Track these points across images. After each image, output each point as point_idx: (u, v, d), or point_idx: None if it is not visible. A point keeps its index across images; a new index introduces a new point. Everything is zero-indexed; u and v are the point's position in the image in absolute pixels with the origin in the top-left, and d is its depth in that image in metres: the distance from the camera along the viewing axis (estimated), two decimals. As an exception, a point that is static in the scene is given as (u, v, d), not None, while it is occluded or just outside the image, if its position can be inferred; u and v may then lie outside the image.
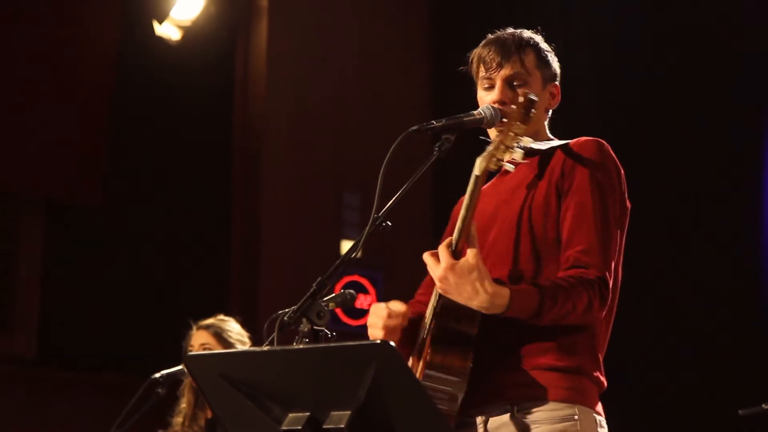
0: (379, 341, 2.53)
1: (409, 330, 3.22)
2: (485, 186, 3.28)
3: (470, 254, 2.89)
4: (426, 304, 3.36)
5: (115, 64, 8.69)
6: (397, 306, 3.19)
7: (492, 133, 3.19)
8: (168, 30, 8.76)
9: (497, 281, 2.96)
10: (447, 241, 2.94)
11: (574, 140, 3.19)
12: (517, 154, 2.91)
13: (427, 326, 3.09)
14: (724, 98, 7.27)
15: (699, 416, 6.89)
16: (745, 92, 7.19)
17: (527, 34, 3.32)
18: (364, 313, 8.54)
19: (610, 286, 3.03)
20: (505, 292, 2.89)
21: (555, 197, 3.11)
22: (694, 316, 7.19)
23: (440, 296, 3.02)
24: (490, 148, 2.96)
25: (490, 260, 3.07)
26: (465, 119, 3.17)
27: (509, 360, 3.06)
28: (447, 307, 3.01)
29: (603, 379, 3.13)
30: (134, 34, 8.77)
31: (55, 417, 8.28)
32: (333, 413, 2.59)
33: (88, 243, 8.66)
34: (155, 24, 8.75)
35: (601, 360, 3.14)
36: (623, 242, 3.18)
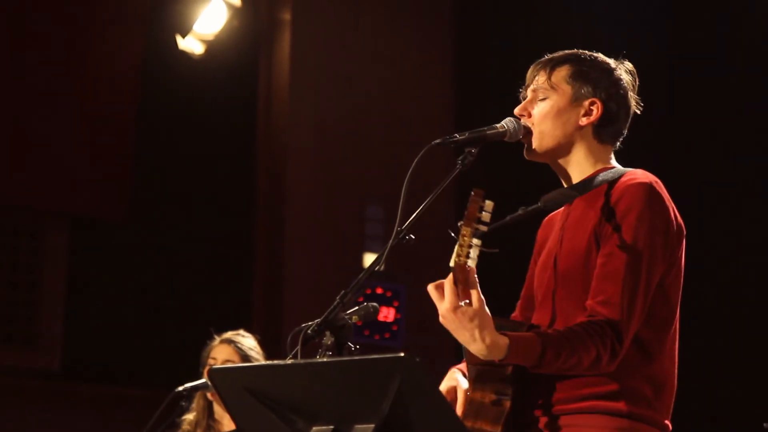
0: (402, 354, 2.52)
1: None
2: (556, 218, 3.26)
3: (474, 299, 2.83)
4: (527, 319, 3.29)
5: (139, 79, 8.72)
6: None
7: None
8: (191, 44, 8.79)
9: (510, 324, 2.97)
10: (451, 276, 2.86)
11: (622, 180, 3.08)
12: (471, 258, 2.81)
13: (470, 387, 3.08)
14: (753, 103, 7.27)
15: (725, 429, 6.85)
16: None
17: (579, 52, 3.24)
18: (387, 326, 8.54)
19: (626, 340, 2.93)
20: (503, 342, 2.83)
21: (595, 245, 3.03)
22: (721, 327, 7.16)
23: (470, 359, 3.01)
24: (458, 243, 2.87)
25: (540, 300, 3.05)
26: (488, 132, 3.15)
27: (550, 404, 3.01)
28: (480, 372, 3.02)
29: (667, 422, 3.05)
30: (158, 49, 8.81)
31: (79, 431, 8.30)
32: (357, 426, 2.58)
33: (112, 258, 8.69)
34: (178, 38, 8.78)
35: (665, 403, 3.06)
36: (680, 272, 3.09)
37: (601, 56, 3.25)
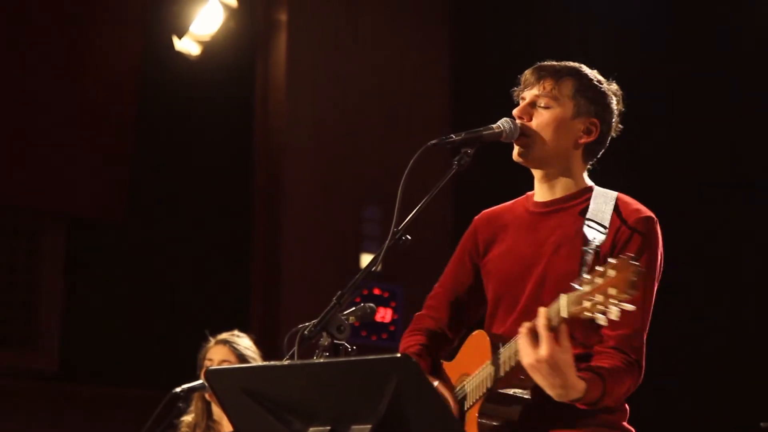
0: (399, 355, 2.52)
1: (429, 359, 3.26)
2: (517, 210, 3.29)
3: (567, 346, 2.85)
4: (436, 320, 3.35)
5: (136, 80, 8.73)
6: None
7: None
8: (188, 45, 8.79)
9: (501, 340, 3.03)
10: (544, 320, 2.84)
11: (624, 205, 3.14)
12: (613, 314, 2.75)
13: (472, 396, 3.08)
14: (750, 101, 7.27)
15: (721, 429, 6.86)
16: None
17: (581, 67, 3.28)
18: (384, 326, 8.54)
19: (643, 365, 3.09)
20: (581, 387, 2.90)
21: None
22: (717, 328, 7.17)
23: (495, 381, 3.01)
24: (582, 293, 2.79)
25: (526, 315, 3.04)
26: (484, 133, 3.16)
27: (547, 418, 3.05)
28: (497, 393, 3.03)
29: (630, 429, 3.16)
30: (155, 50, 8.81)
31: (76, 431, 8.30)
32: (354, 427, 2.59)
33: (110, 259, 8.69)
34: (175, 39, 8.78)
35: (627, 411, 3.17)
36: None
37: (598, 76, 3.29)
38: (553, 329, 2.84)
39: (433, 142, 3.12)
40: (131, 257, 8.69)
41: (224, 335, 5.22)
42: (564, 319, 2.83)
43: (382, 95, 9.08)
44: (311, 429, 2.64)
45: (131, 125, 8.68)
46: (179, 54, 8.79)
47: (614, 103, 3.27)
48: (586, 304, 2.77)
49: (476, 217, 3.44)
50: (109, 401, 8.39)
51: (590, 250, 3.05)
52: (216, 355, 5.15)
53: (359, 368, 2.58)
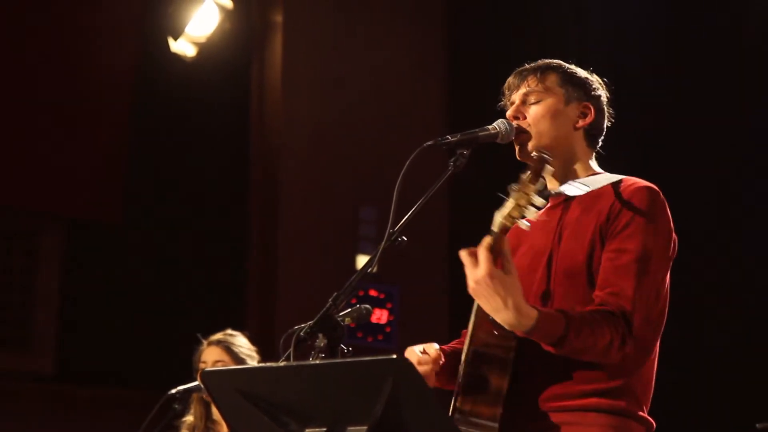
0: (395, 356, 2.53)
1: (450, 365, 3.21)
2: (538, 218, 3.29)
3: (509, 267, 2.84)
4: None
5: (132, 82, 8.73)
6: (430, 349, 3.17)
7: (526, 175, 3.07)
8: (183, 47, 8.79)
9: None
10: (487, 242, 2.85)
11: (626, 182, 3.14)
12: (530, 213, 2.83)
13: (461, 370, 3.07)
14: (748, 102, 7.28)
15: (717, 430, 6.86)
16: None
17: (555, 60, 3.31)
18: (380, 328, 8.54)
19: (635, 331, 2.96)
20: (533, 313, 2.84)
21: (599, 242, 3.07)
22: (712, 328, 7.17)
23: (471, 341, 3.01)
24: (507, 204, 2.87)
25: (531, 301, 3.01)
26: (480, 134, 3.17)
27: (550, 400, 3.03)
28: (478, 354, 3.01)
29: (651, 419, 3.09)
30: (150, 51, 8.81)
31: (73, 433, 8.30)
32: (350, 428, 2.59)
33: (107, 259, 8.69)
34: (170, 41, 8.78)
35: (648, 400, 3.11)
36: (668, 280, 3.14)
37: (579, 68, 3.32)
38: (494, 252, 2.84)
39: (429, 143, 3.12)
40: (128, 258, 8.70)
41: (217, 336, 5.21)
42: (500, 234, 2.85)
43: (378, 96, 9.08)
44: (307, 430, 2.65)
45: (128, 126, 8.69)
46: (175, 55, 8.79)
47: (600, 89, 3.31)
48: (513, 210, 2.83)
49: None
50: (105, 402, 8.39)
51: (589, 230, 3.07)
52: (210, 357, 5.15)
53: (355, 369, 2.58)
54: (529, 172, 2.85)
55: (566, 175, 3.24)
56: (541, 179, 2.85)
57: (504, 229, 2.86)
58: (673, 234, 3.13)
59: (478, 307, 2.99)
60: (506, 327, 2.89)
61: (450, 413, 2.98)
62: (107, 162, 8.62)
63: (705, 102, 7.43)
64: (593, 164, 3.29)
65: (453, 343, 3.37)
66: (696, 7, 7.64)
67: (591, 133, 3.27)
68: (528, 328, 2.85)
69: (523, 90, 3.25)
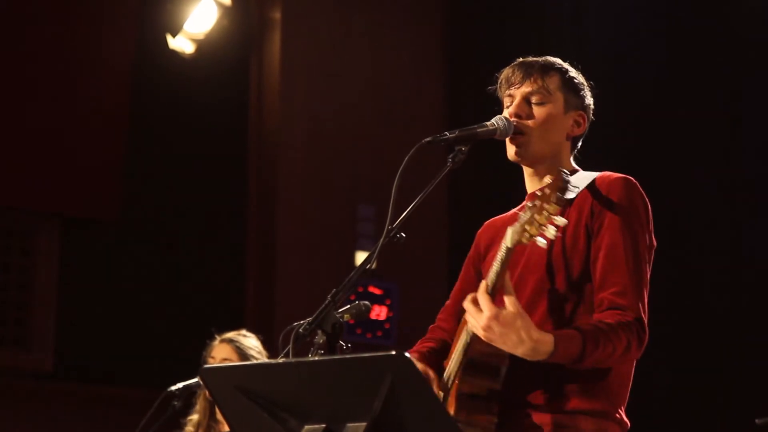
0: (394, 352, 2.52)
1: (434, 359, 3.24)
2: (514, 211, 3.31)
3: (510, 303, 2.87)
4: (447, 331, 3.37)
5: (130, 79, 8.72)
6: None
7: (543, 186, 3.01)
8: (181, 43, 8.79)
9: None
10: (483, 286, 2.92)
11: (601, 177, 3.17)
12: (549, 232, 2.84)
13: (452, 374, 3.09)
14: (748, 101, 7.29)
15: (715, 425, 6.86)
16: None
17: (557, 60, 3.32)
18: (379, 324, 8.54)
19: (646, 325, 3.03)
20: (549, 338, 2.88)
21: (584, 237, 3.09)
22: (711, 323, 7.18)
23: (466, 351, 3.02)
24: (522, 220, 2.87)
25: (519, 300, 3.02)
26: (478, 130, 3.17)
27: (534, 404, 3.06)
28: (473, 362, 3.03)
29: (626, 419, 3.13)
30: (148, 48, 8.80)
31: (72, 430, 8.29)
32: (349, 425, 2.59)
33: (104, 257, 8.68)
34: (169, 38, 8.78)
35: (625, 400, 3.14)
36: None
37: (574, 70, 3.33)
38: (494, 292, 2.88)
39: (428, 139, 3.12)
40: (126, 257, 8.69)
41: (230, 334, 5.20)
42: (509, 250, 2.88)
43: (376, 93, 9.08)
44: (306, 427, 2.64)
45: (125, 123, 8.68)
46: (173, 52, 8.79)
47: (590, 96, 3.33)
48: (527, 227, 2.83)
49: (479, 230, 3.47)
50: (103, 401, 8.39)
51: (578, 229, 3.09)
52: (219, 354, 5.14)
53: (354, 366, 2.57)
54: (548, 189, 2.85)
55: (545, 177, 3.24)
56: (562, 198, 2.84)
57: (517, 245, 2.87)
58: (651, 220, 3.17)
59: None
60: (527, 359, 2.91)
61: None
62: (105, 160, 8.62)
63: (705, 101, 7.43)
64: (572, 163, 3.31)
65: (423, 345, 3.37)
66: (695, 6, 7.64)
67: (577, 140, 3.32)
68: (548, 354, 2.89)
69: (526, 88, 3.24)
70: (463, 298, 3.33)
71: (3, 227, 8.69)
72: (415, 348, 3.37)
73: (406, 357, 2.51)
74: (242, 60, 9.14)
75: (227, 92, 9.11)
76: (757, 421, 4.92)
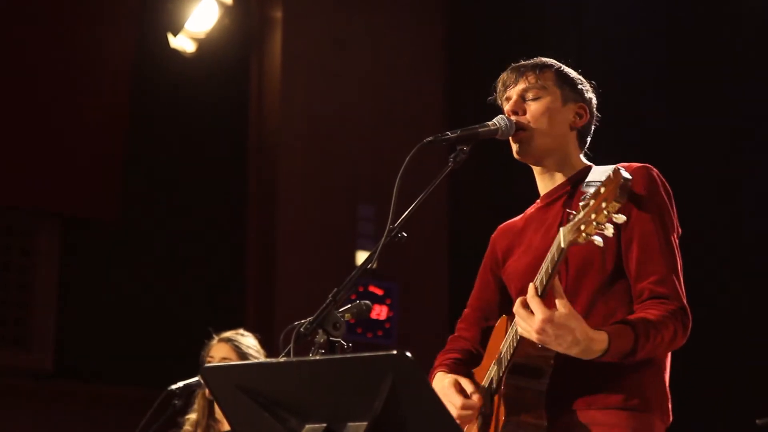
0: (395, 351, 2.52)
1: (462, 370, 3.26)
2: (528, 213, 3.30)
3: (562, 305, 2.87)
4: (469, 340, 3.37)
5: (130, 78, 8.72)
6: (468, 387, 3.17)
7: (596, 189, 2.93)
8: (182, 42, 8.79)
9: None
10: (532, 289, 2.90)
11: (623, 165, 3.12)
12: (609, 231, 2.79)
13: (495, 378, 3.09)
14: (747, 100, 7.29)
15: (716, 425, 6.86)
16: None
17: (549, 59, 3.32)
18: (380, 324, 8.54)
19: (687, 309, 3.04)
20: (602, 336, 2.89)
21: (614, 230, 3.06)
22: (712, 322, 7.17)
23: (513, 354, 3.02)
24: (577, 219, 2.82)
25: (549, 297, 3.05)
26: (480, 130, 3.17)
27: (579, 403, 3.07)
28: (520, 365, 3.03)
29: (670, 413, 3.14)
30: (149, 47, 8.80)
31: (72, 429, 8.29)
32: (350, 424, 2.58)
33: (104, 257, 8.68)
34: (170, 36, 8.78)
35: (666, 394, 3.15)
36: None
37: (571, 70, 3.34)
38: (543, 293, 2.88)
39: (429, 139, 3.12)
40: (126, 256, 8.68)
41: (228, 333, 5.21)
42: (563, 251, 2.84)
43: (376, 93, 9.08)
44: (307, 426, 2.64)
45: (124, 123, 8.67)
46: (174, 51, 8.79)
47: (591, 92, 3.33)
48: (583, 227, 2.79)
49: (493, 234, 3.46)
50: (104, 400, 8.39)
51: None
52: (217, 353, 5.14)
53: (355, 365, 2.57)
54: (604, 187, 2.78)
55: (557, 175, 3.27)
56: (623, 195, 2.77)
57: (573, 245, 2.83)
58: (674, 207, 3.17)
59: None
60: (583, 358, 2.91)
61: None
62: (105, 159, 8.61)
63: (704, 100, 7.43)
64: (582, 159, 3.31)
65: (447, 356, 3.38)
66: (695, 6, 7.64)
67: (582, 133, 3.31)
68: (602, 352, 2.90)
69: (521, 86, 3.26)
70: (484, 303, 3.36)
71: (3, 227, 8.69)
72: (438, 362, 3.38)
73: (407, 356, 2.50)
74: (243, 59, 9.14)
75: (227, 92, 9.11)
76: (757, 421, 4.92)
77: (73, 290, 8.66)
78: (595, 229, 2.79)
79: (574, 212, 2.84)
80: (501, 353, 3.08)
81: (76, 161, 8.55)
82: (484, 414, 3.12)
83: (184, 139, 8.88)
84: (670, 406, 3.14)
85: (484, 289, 3.41)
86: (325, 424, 2.61)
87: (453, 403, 3.12)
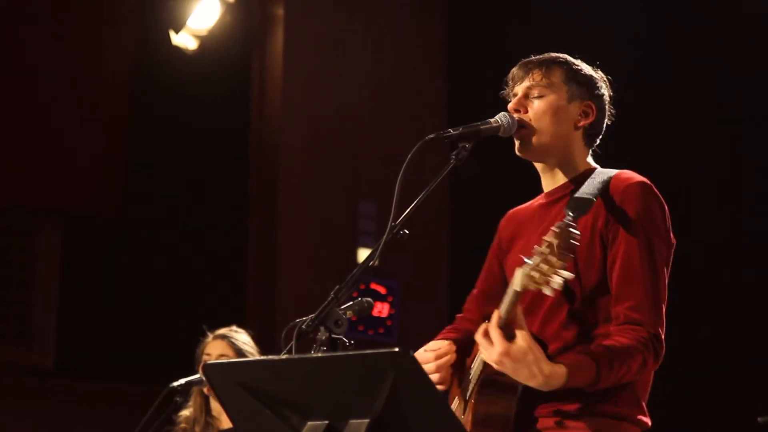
0: (396, 349, 2.52)
1: (458, 354, 3.25)
2: (536, 205, 3.29)
3: (521, 337, 2.86)
4: (472, 321, 3.36)
5: (132, 75, 8.73)
6: (442, 349, 3.20)
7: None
8: (184, 39, 8.79)
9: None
10: (495, 319, 2.90)
11: (616, 179, 3.12)
12: (555, 283, 2.78)
13: (471, 388, 3.09)
14: (747, 100, 7.29)
15: (717, 423, 6.86)
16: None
17: (561, 54, 3.29)
18: (381, 321, 8.54)
19: (663, 338, 3.01)
20: (561, 370, 2.87)
21: (600, 247, 3.06)
22: (714, 321, 7.18)
23: (482, 371, 3.03)
24: (530, 265, 2.82)
25: (537, 311, 3.05)
26: (482, 127, 3.15)
27: (550, 407, 3.05)
28: (490, 382, 3.03)
29: (646, 419, 3.11)
30: (151, 44, 8.81)
31: (73, 427, 8.30)
32: (351, 422, 2.58)
33: (105, 254, 8.69)
34: (172, 34, 8.78)
35: (644, 401, 3.12)
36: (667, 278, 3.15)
37: (584, 64, 3.30)
38: (506, 324, 2.87)
39: (431, 136, 3.11)
40: (126, 254, 8.69)
41: (222, 330, 5.23)
42: (518, 294, 2.85)
43: (378, 90, 9.07)
44: (309, 423, 2.64)
45: (126, 120, 8.68)
46: (176, 48, 8.79)
47: (604, 88, 3.29)
48: (534, 275, 2.79)
49: (501, 220, 3.45)
50: (105, 397, 8.40)
51: (589, 232, 3.05)
52: (214, 350, 5.16)
53: (356, 363, 2.57)
54: (555, 239, 2.78)
55: (558, 173, 3.24)
56: (568, 255, 2.78)
57: (525, 291, 2.84)
58: (669, 222, 3.13)
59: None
60: (542, 390, 2.91)
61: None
62: (105, 158, 8.62)
63: (704, 100, 7.43)
64: (590, 161, 3.27)
65: (447, 335, 3.39)
66: (695, 6, 7.65)
67: (590, 132, 3.26)
68: (560, 386, 2.89)
69: (526, 83, 3.23)
70: (488, 288, 3.35)
71: (4, 225, 8.70)
72: (439, 336, 3.38)
73: (409, 354, 2.50)
74: (245, 56, 9.14)
75: (229, 89, 9.11)
76: (759, 419, 4.92)
77: (73, 289, 8.66)
78: (543, 279, 2.78)
79: (526, 260, 2.82)
80: (476, 362, 3.09)
81: (76, 160, 8.56)
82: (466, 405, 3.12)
83: (185, 138, 8.88)
84: (644, 410, 3.10)
85: (488, 272, 3.40)
86: (326, 422, 2.61)
87: (427, 367, 3.15)
